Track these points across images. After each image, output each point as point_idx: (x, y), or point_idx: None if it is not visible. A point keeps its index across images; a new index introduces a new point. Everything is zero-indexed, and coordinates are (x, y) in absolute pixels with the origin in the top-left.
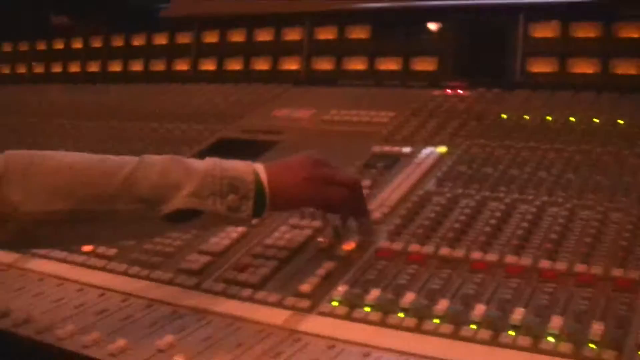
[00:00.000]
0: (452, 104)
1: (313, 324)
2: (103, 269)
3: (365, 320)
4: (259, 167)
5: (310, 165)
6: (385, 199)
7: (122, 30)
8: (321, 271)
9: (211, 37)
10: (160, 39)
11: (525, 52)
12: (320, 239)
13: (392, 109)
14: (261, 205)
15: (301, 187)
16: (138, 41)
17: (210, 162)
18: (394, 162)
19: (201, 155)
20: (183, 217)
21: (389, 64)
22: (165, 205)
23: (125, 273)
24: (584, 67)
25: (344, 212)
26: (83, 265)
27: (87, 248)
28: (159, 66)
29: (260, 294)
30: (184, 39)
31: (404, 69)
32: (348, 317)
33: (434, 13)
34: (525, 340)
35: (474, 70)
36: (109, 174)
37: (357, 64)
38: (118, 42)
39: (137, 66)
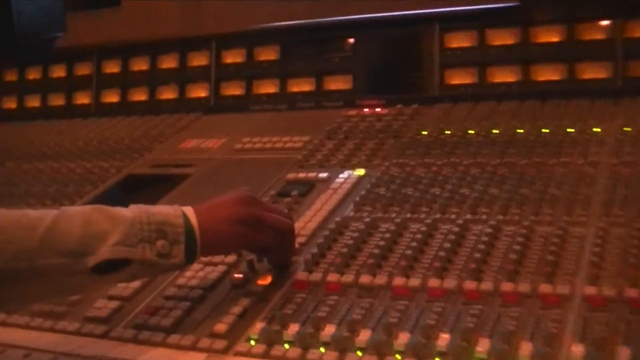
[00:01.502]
0: (369, 123)
1: None
2: (3, 323)
3: (284, 358)
4: (188, 210)
5: (241, 205)
6: (301, 227)
7: (14, 63)
8: (236, 309)
9: (112, 67)
10: (58, 71)
11: (442, 64)
12: (235, 275)
13: (306, 132)
14: (192, 249)
15: (232, 230)
16: (33, 74)
17: (135, 209)
18: (309, 188)
19: (108, 194)
20: (112, 268)
21: (301, 85)
22: (91, 257)
23: (27, 326)
24: (504, 75)
25: (271, 256)
26: None
27: None
28: (57, 100)
29: (174, 338)
30: (83, 70)
31: (317, 90)
32: (266, 355)
33: (345, 28)
34: None
35: (390, 86)
36: (27, 229)
37: (268, 87)
38: (10, 76)
39: (33, 102)
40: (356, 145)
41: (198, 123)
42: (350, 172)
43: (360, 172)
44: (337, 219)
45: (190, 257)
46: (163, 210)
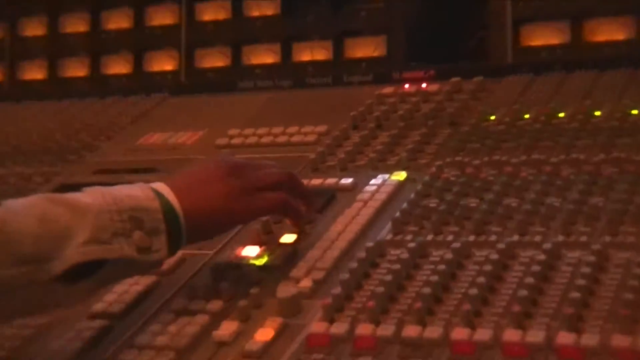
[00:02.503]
0: (412, 105)
1: None
2: None
3: None
4: (162, 188)
5: (227, 174)
6: (317, 257)
7: None
8: None
9: (34, 28)
10: None
11: (517, 18)
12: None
13: (322, 120)
14: (176, 239)
15: (224, 206)
16: None
17: (95, 193)
18: (328, 200)
19: None
20: (81, 273)
21: (313, 52)
22: (56, 262)
23: None
24: (606, 31)
25: (287, 214)
26: None
27: None
28: None
29: None
30: None
31: (336, 58)
32: None
33: None
34: None
35: (442, 51)
36: None
37: (264, 55)
38: None
39: None
40: (393, 138)
41: (163, 108)
42: (386, 176)
43: (400, 176)
44: (369, 244)
45: (173, 249)
46: (130, 192)
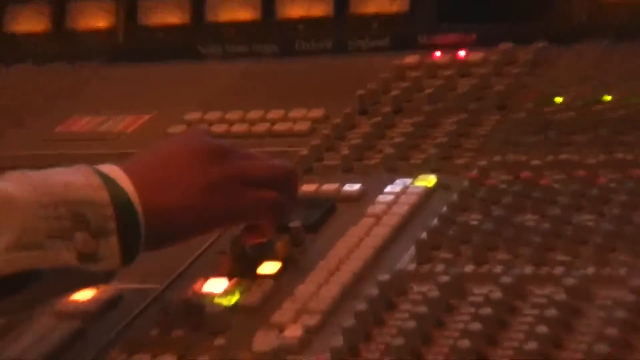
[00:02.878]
0: (446, 80)
1: None
2: None
3: None
4: (113, 172)
5: (206, 159)
6: (309, 295)
7: None
8: None
9: None
10: None
11: None
12: None
13: (319, 101)
14: (132, 241)
15: (199, 202)
16: None
17: (22, 181)
18: (325, 213)
19: None
20: (7, 287)
21: (306, 5)
22: None
23: None
24: None
25: (273, 222)
26: None
27: None
28: None
29: None
30: None
31: (338, 15)
32: None
33: None
34: None
35: (489, 5)
36: None
37: (238, 9)
38: None
39: None
40: (418, 128)
41: (94, 82)
42: (407, 181)
43: (428, 181)
44: (383, 276)
45: (128, 256)
46: (69, 178)
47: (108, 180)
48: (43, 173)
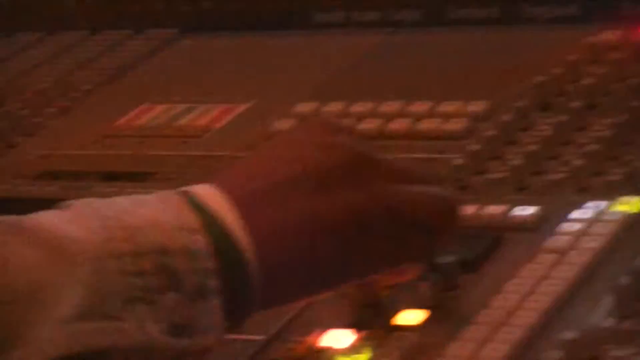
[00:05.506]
0: None
1: None
2: None
3: None
4: (214, 200)
5: (348, 174)
6: (467, 356)
7: None
8: None
9: None
10: None
11: None
12: None
13: (479, 91)
14: (240, 303)
15: (337, 245)
16: None
17: (90, 218)
18: (488, 247)
19: None
20: None
21: None
22: (18, 354)
23: None
24: None
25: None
26: None
27: None
28: None
29: None
30: None
31: None
32: None
33: None
34: None
35: None
36: None
37: None
38: None
39: None
40: (619, 131)
41: (169, 58)
42: (602, 204)
43: (631, 204)
44: (569, 335)
45: (233, 323)
46: (153, 213)
47: (207, 215)
48: (118, 205)
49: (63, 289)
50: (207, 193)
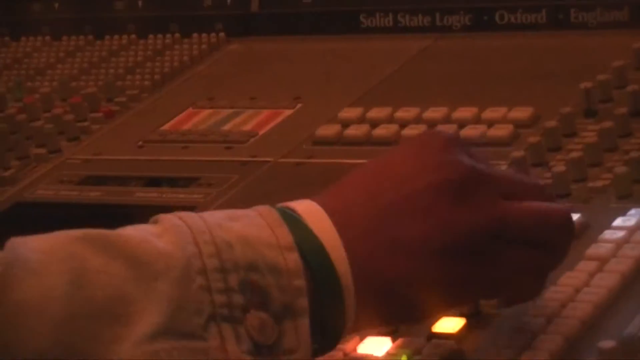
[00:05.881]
0: None
1: None
2: None
3: None
4: (312, 218)
5: (459, 192)
6: None
7: None
8: None
9: None
10: None
11: None
12: None
13: (525, 97)
14: (331, 326)
15: (441, 269)
16: None
17: (181, 232)
18: None
19: None
20: None
21: None
22: None
23: None
24: None
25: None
26: None
27: None
28: None
29: None
30: None
31: None
32: None
33: None
34: None
35: None
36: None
37: None
38: None
39: None
40: None
41: (215, 62)
42: None
43: None
44: (608, 344)
45: (323, 346)
46: (242, 227)
47: (303, 233)
48: (211, 219)
49: (145, 305)
50: (307, 210)
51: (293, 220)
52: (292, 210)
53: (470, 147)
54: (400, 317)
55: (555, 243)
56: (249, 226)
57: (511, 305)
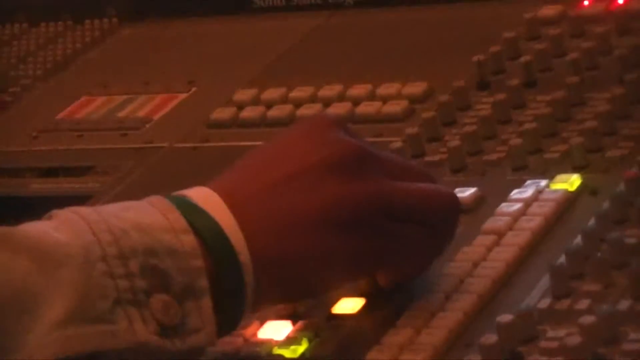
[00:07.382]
0: (598, 40)
1: None
2: None
3: None
4: (209, 200)
5: (348, 170)
6: (402, 343)
7: None
8: None
9: None
10: None
11: None
12: None
13: (418, 72)
14: (233, 303)
15: (334, 248)
16: None
17: (77, 224)
18: None
19: None
20: None
21: None
22: (13, 355)
23: None
24: None
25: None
26: None
27: None
28: None
29: None
30: None
31: None
32: None
33: None
34: None
35: None
36: None
37: None
38: None
39: None
40: (558, 108)
41: (109, 47)
42: (541, 183)
43: (570, 183)
44: (506, 317)
45: (227, 324)
46: (137, 216)
47: (197, 216)
48: (104, 211)
49: (51, 295)
50: (201, 195)
51: (187, 206)
52: (185, 196)
53: (355, 131)
54: (298, 293)
55: (441, 224)
56: (141, 215)
57: (396, 281)
